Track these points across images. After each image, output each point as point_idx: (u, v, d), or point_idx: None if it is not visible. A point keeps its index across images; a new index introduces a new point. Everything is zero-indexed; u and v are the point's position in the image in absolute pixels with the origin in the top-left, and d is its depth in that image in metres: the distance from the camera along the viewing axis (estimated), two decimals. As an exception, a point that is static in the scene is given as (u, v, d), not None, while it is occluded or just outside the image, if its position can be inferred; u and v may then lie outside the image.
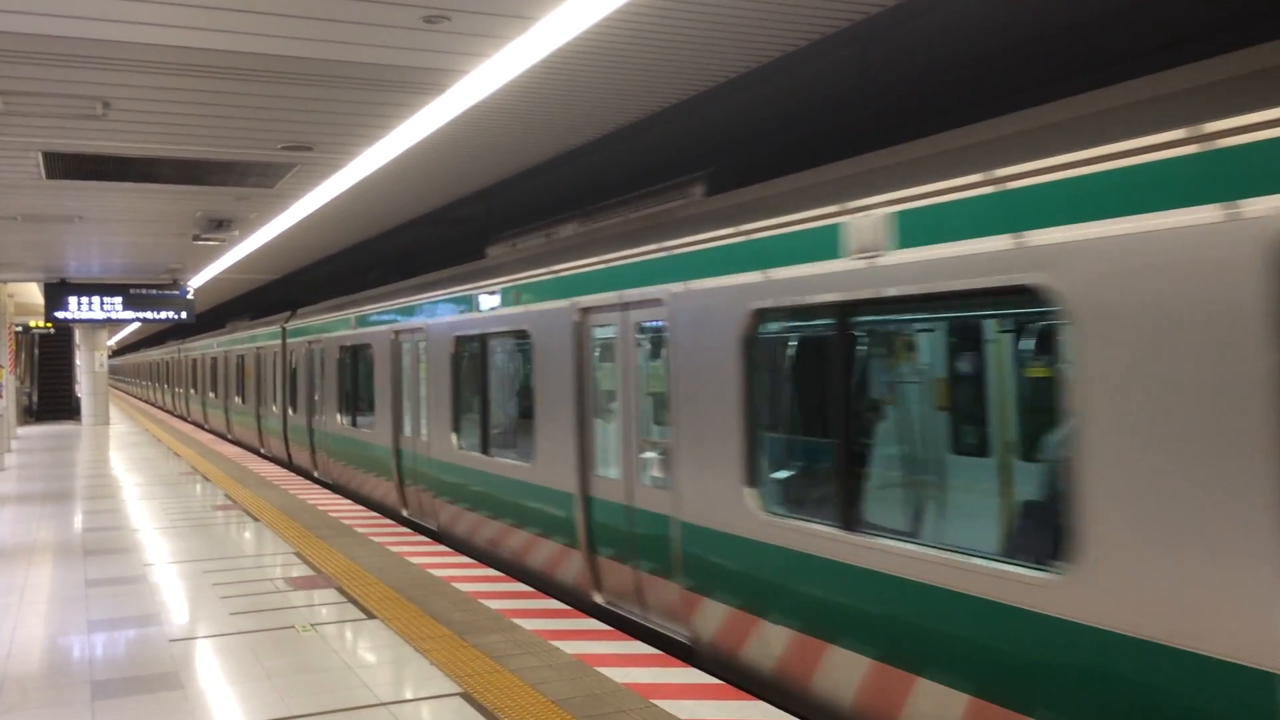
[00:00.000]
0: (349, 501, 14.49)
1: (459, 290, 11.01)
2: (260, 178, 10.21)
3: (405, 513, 12.82)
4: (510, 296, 9.56)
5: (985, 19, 6.13)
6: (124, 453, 22.61)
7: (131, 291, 20.43)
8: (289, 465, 20.05)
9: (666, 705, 5.61)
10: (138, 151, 8.94)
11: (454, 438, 11.06)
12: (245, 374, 24.01)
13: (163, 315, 20.99)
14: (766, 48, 6.37)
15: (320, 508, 13.60)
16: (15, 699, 6.03)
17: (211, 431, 30.09)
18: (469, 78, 6.81)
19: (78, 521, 12.79)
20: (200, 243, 14.30)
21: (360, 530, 11.71)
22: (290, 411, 19.49)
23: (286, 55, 6.29)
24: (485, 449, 10.29)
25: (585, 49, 6.24)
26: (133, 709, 5.82)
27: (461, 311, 10.85)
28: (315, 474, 17.81)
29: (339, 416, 15.88)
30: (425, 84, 6.97)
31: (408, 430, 12.72)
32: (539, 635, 7.07)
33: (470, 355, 10.92)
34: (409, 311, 12.58)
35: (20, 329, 32.26)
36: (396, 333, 13.01)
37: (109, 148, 8.76)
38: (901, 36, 6.37)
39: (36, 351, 38.51)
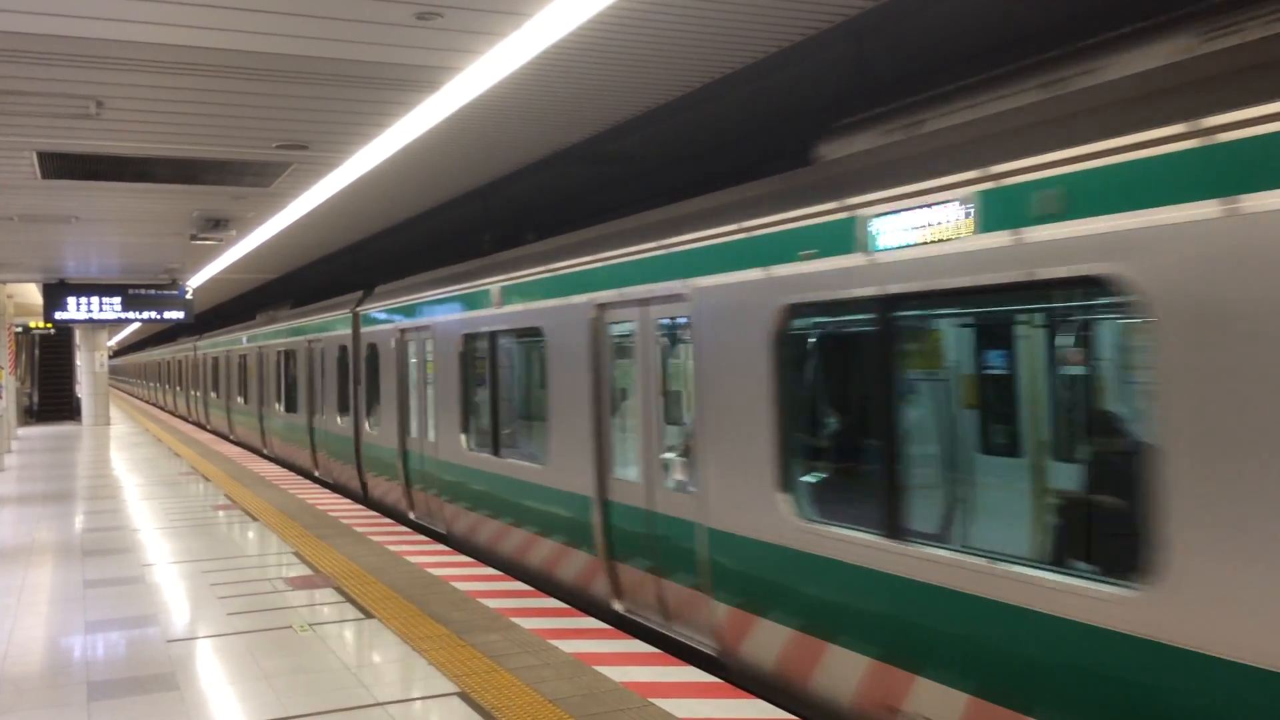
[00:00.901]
0: (349, 501, 14.41)
1: (783, 220, 5.98)
2: (256, 177, 10.19)
3: (619, 605, 7.91)
4: (1012, 210, 4.46)
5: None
6: (124, 453, 22.60)
7: (130, 292, 20.42)
8: (363, 499, 14.95)
9: (664, 704, 5.59)
10: (132, 151, 8.92)
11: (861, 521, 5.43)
12: (290, 375, 19.56)
13: (162, 315, 20.99)
14: (765, 43, 6.34)
15: (320, 508, 13.59)
16: (11, 700, 6.01)
17: (239, 444, 25.17)
18: (463, 74, 6.78)
19: (77, 522, 12.78)
20: (198, 242, 14.27)
21: (359, 530, 11.70)
22: (366, 427, 14.54)
23: (279, 53, 6.27)
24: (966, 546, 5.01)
25: (579, 45, 6.21)
26: (130, 710, 5.81)
27: (801, 258, 5.76)
28: (412, 515, 12.90)
29: (465, 439, 10.99)
30: (419, 81, 6.94)
31: (624, 471, 7.87)
32: (537, 634, 7.06)
33: (844, 343, 6.30)
34: (636, 272, 7.56)
35: (20, 330, 32.29)
36: (600, 307, 8.11)
37: (104, 147, 8.73)
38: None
39: (37, 352, 38.56)
